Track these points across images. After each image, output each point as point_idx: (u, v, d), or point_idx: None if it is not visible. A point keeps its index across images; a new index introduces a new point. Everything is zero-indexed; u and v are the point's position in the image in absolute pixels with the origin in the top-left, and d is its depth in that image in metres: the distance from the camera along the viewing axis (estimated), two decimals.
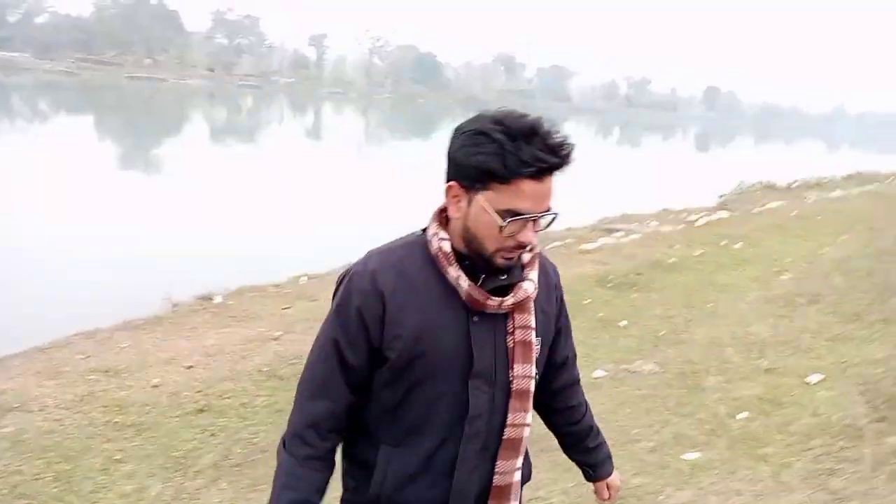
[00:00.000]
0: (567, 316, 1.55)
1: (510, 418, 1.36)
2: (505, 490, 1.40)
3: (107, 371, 4.27)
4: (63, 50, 75.61)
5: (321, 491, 1.38)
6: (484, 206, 1.27)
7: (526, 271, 1.38)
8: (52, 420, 3.59)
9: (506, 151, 1.23)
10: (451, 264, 1.33)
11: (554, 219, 1.32)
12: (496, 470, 1.37)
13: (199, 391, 4.01)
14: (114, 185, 16.99)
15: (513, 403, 1.36)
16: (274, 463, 1.39)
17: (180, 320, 5.61)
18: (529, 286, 1.36)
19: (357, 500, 1.43)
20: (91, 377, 4.17)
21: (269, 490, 1.36)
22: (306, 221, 12.74)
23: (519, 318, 1.35)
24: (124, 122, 35.43)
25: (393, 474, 1.38)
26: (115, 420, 3.61)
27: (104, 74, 68.21)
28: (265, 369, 4.39)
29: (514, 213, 1.25)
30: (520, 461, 1.41)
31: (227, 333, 5.19)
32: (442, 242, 1.34)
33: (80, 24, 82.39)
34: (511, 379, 1.35)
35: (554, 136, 1.26)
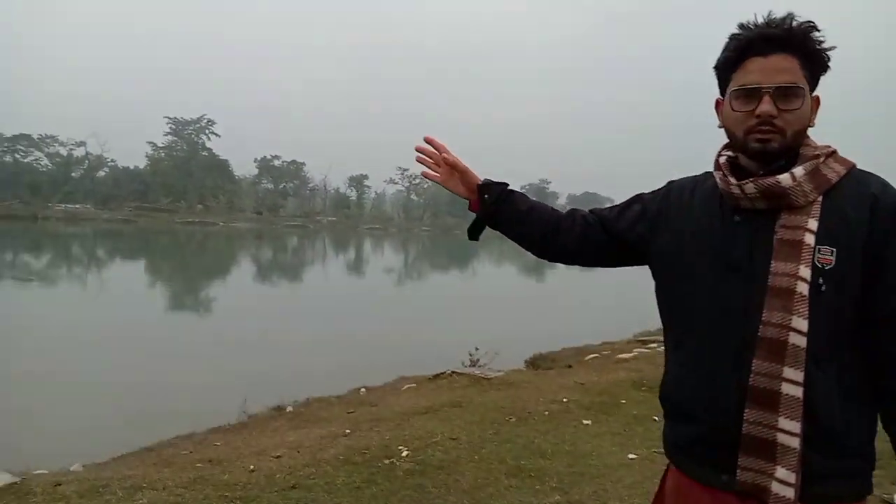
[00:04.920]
0: None
1: (765, 316, 1.31)
2: (765, 396, 1.31)
3: (210, 461, 5.05)
4: (121, 200, 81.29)
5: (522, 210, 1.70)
6: (727, 98, 1.42)
7: (796, 168, 1.36)
8: (174, 496, 4.34)
9: (732, 38, 1.38)
10: (718, 170, 1.46)
11: (792, 90, 1.33)
12: (753, 370, 1.32)
13: (289, 473, 4.74)
14: (173, 321, 18.35)
15: (770, 301, 1.31)
16: None
17: (260, 425, 6.41)
18: (785, 177, 1.34)
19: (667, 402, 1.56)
20: (198, 465, 4.95)
21: None
22: (357, 343, 13.71)
23: (787, 218, 1.34)
24: (177, 264, 37.70)
25: (670, 375, 1.52)
26: (225, 495, 4.35)
27: (159, 221, 72.88)
28: (341, 457, 5.11)
29: (743, 89, 1.36)
30: (790, 372, 1.29)
31: (304, 433, 5.94)
32: (720, 157, 1.48)
33: (137, 176, 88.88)
34: (770, 275, 1.32)
35: (778, 17, 1.34)
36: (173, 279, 29.95)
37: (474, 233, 1.79)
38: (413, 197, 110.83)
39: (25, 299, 21.14)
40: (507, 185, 1.71)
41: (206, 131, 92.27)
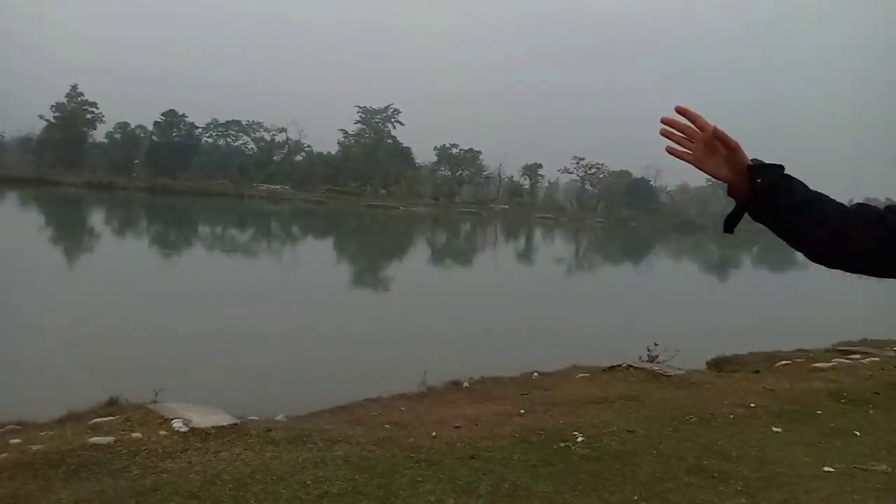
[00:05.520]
0: None
1: None
2: None
3: (396, 423, 5.45)
4: (315, 182, 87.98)
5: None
6: None
7: None
8: (366, 451, 4.74)
9: None
10: None
11: None
12: None
13: (468, 444, 4.98)
14: (356, 296, 19.61)
15: None
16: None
17: (439, 396, 6.76)
18: None
19: None
20: (386, 426, 5.36)
21: None
22: (528, 329, 13.90)
23: None
24: (361, 243, 40.22)
25: None
26: (411, 455, 4.67)
27: (347, 203, 78.08)
28: (517, 435, 5.26)
29: None
30: None
31: (481, 408, 6.19)
32: None
33: (329, 161, 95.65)
34: None
35: None
36: (357, 257, 32.04)
37: (731, 224, 1.54)
38: (587, 187, 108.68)
39: (234, 267, 23.75)
40: (784, 167, 1.47)
41: (392, 120, 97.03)
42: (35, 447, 4.61)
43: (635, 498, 4.17)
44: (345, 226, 53.85)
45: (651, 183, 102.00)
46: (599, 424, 5.59)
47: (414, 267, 29.56)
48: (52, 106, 78.19)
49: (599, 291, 25.32)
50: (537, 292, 22.70)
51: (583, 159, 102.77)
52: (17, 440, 4.96)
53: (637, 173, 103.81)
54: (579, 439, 5.20)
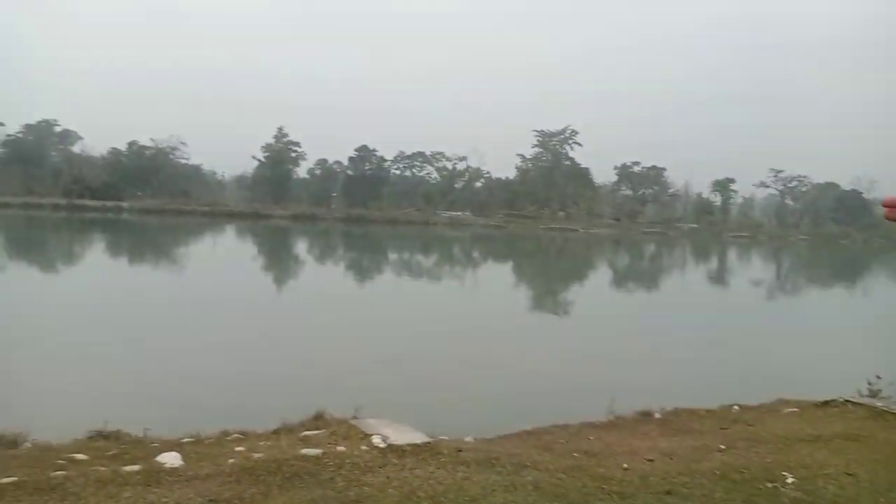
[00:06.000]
0: None
1: None
2: None
3: (585, 452, 5.34)
4: (494, 207, 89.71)
5: None
6: None
7: None
8: (555, 478, 4.70)
9: None
10: None
11: None
12: None
13: (662, 478, 4.75)
14: (534, 320, 19.55)
15: None
16: None
17: (629, 426, 6.53)
18: None
19: None
20: (575, 455, 5.28)
21: None
22: (726, 358, 12.99)
23: None
24: (541, 266, 40.15)
25: None
26: (602, 487, 4.55)
27: (525, 227, 78.63)
28: (717, 472, 4.93)
29: None
30: None
31: (676, 441, 5.88)
32: None
33: (507, 185, 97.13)
34: None
35: None
36: (534, 280, 32.03)
37: None
38: (788, 202, 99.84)
39: (421, 292, 24.84)
40: None
41: (570, 142, 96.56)
42: (256, 455, 5.13)
43: None
44: (523, 249, 54.16)
45: (863, 195, 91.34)
46: (813, 465, 5.07)
47: (594, 291, 28.92)
48: (263, 147, 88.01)
49: (806, 318, 23.02)
50: (733, 317, 21.17)
51: (781, 171, 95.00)
52: (241, 448, 5.55)
53: (846, 185, 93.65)
54: (789, 480, 4.75)
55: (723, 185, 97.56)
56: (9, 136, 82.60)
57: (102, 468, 4.72)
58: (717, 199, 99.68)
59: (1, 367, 9.74)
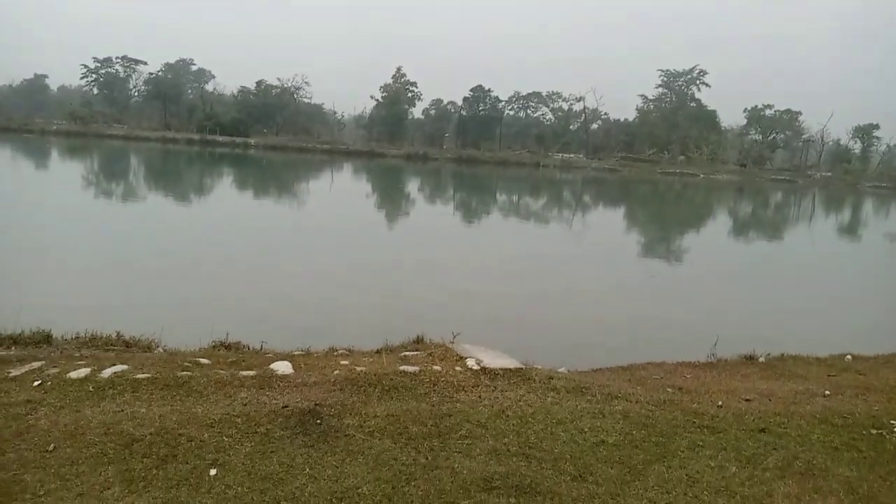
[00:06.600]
0: None
1: None
2: None
3: (679, 388, 5.32)
4: (610, 150, 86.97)
5: None
6: None
7: None
8: (645, 409, 4.74)
9: None
10: None
11: None
12: None
13: (758, 417, 4.67)
14: (647, 266, 19.09)
15: None
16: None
17: (730, 369, 6.39)
18: None
19: None
20: (668, 389, 5.27)
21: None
22: (846, 307, 12.25)
23: None
24: (654, 212, 38.79)
25: None
26: (693, 420, 4.55)
27: (641, 170, 75.79)
28: (817, 415, 4.78)
29: None
30: None
31: (777, 384, 5.72)
32: None
33: (625, 128, 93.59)
34: None
35: None
36: (648, 227, 31.05)
37: None
38: None
39: (523, 233, 24.78)
40: None
41: (697, 82, 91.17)
42: (359, 368, 5.49)
43: None
44: (636, 194, 52.39)
45: None
46: None
47: (710, 240, 27.71)
48: (381, 87, 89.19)
49: None
50: (860, 270, 19.73)
51: None
52: (345, 362, 5.94)
53: None
54: None
55: (865, 132, 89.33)
56: (150, 74, 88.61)
57: (222, 371, 5.24)
58: (856, 147, 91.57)
59: (136, 283, 10.79)
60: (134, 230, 17.18)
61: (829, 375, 6.27)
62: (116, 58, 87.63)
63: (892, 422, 4.65)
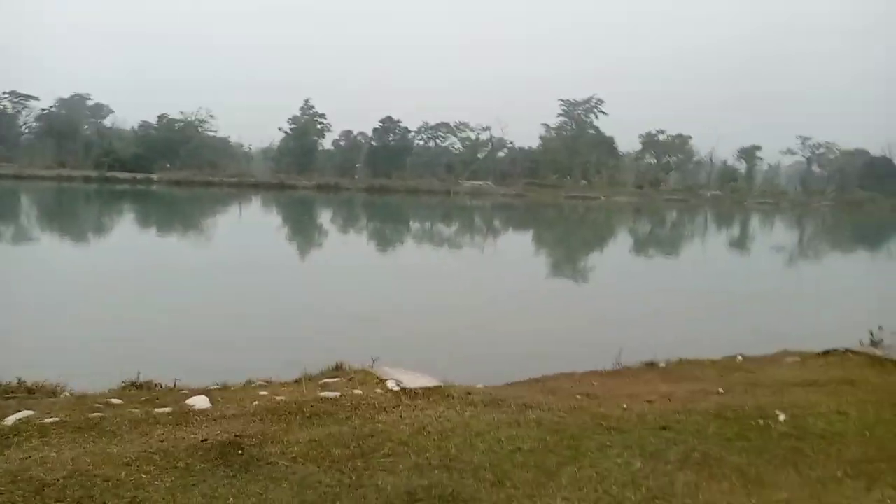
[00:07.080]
0: None
1: None
2: None
3: (588, 395, 5.64)
4: (516, 177, 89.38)
5: None
6: None
7: None
8: (557, 416, 5.01)
9: None
10: None
11: None
12: None
13: (660, 416, 5.03)
14: (554, 286, 19.79)
15: None
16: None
17: (633, 375, 6.81)
18: None
19: None
20: (577, 397, 5.58)
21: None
22: (734, 312, 13.17)
23: None
24: (561, 234, 40.22)
25: None
26: (601, 423, 4.85)
27: (546, 195, 78.34)
28: (712, 411, 5.19)
29: None
30: None
31: (676, 386, 6.15)
32: None
33: (529, 155, 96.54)
34: None
35: None
36: (555, 248, 32.16)
37: None
38: (815, 168, 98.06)
39: (445, 261, 25.14)
40: None
41: (595, 110, 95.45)
42: (278, 398, 5.49)
43: (839, 475, 3.98)
44: (543, 217, 54.12)
45: (894, 161, 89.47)
46: (806, 405, 5.32)
47: (612, 258, 29.00)
48: (289, 119, 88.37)
49: (825, 280, 22.95)
50: (749, 281, 21.21)
51: (809, 139, 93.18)
52: (264, 393, 5.92)
53: (876, 151, 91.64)
54: (781, 418, 5.00)
55: (748, 153, 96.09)
56: (43, 110, 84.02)
57: (136, 410, 5.12)
58: (741, 167, 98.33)
59: (36, 326, 10.26)
60: (26, 273, 16.27)
61: (721, 375, 6.79)
62: (4, 93, 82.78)
63: (776, 412, 5.12)
